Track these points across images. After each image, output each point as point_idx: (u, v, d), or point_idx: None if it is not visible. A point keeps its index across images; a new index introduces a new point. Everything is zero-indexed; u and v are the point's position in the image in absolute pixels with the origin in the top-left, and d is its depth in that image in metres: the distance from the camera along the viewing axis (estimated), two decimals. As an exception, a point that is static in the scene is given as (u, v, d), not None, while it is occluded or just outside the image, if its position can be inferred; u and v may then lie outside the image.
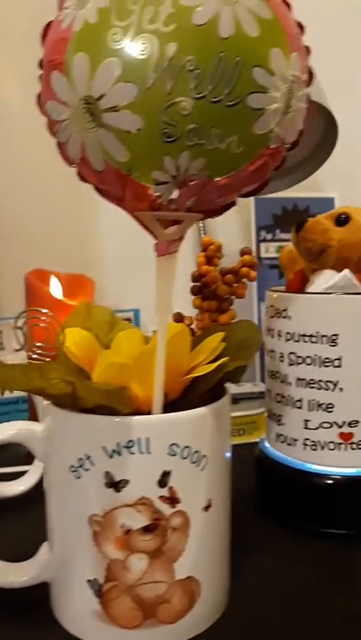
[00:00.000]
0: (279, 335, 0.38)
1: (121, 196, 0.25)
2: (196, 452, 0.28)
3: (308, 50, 0.26)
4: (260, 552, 0.36)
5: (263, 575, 0.34)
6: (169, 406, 0.30)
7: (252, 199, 0.72)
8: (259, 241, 0.73)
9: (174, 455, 0.27)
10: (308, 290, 0.38)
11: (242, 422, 0.59)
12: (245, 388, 0.65)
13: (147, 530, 0.27)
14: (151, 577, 0.28)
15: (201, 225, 0.68)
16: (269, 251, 0.73)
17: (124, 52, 0.22)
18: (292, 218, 0.75)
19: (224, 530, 0.31)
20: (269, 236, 0.73)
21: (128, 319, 0.71)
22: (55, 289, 0.58)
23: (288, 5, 0.25)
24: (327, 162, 0.76)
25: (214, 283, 0.34)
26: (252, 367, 0.75)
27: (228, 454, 0.31)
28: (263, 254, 0.73)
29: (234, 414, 0.59)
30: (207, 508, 0.29)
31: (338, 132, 0.54)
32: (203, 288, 0.35)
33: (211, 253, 0.36)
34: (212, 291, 0.34)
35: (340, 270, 0.36)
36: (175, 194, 0.24)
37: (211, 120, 0.23)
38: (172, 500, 0.28)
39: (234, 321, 0.35)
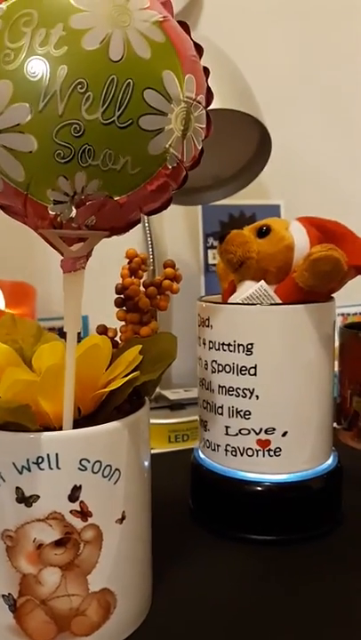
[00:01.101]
0: (204, 343, 0.39)
1: (23, 213, 0.25)
2: (108, 465, 0.28)
3: (206, 71, 0.26)
4: (187, 559, 0.37)
5: (187, 583, 0.34)
6: (84, 420, 0.30)
7: (199, 207, 0.73)
8: (206, 247, 0.74)
9: (85, 470, 0.28)
10: (230, 300, 0.39)
11: (186, 428, 0.59)
12: (192, 393, 0.66)
13: (58, 544, 0.28)
14: (64, 590, 0.28)
15: (148, 232, 0.69)
16: (217, 257, 0.74)
17: (16, 74, 0.23)
18: (240, 225, 0.76)
19: (142, 540, 0.32)
20: (217, 243, 0.74)
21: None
22: (-4, 298, 0.57)
23: (186, 27, 0.26)
24: (274, 170, 0.78)
25: (137, 295, 0.35)
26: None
27: (147, 464, 0.32)
28: (211, 261, 0.74)
29: (178, 420, 0.60)
30: (121, 520, 0.29)
31: (271, 144, 0.55)
32: (126, 300, 0.36)
33: (135, 266, 0.36)
34: (135, 303, 0.35)
35: (259, 281, 0.37)
36: (74, 213, 0.24)
37: (103, 141, 0.23)
38: (84, 513, 0.28)
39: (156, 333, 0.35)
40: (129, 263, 0.37)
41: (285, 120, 0.80)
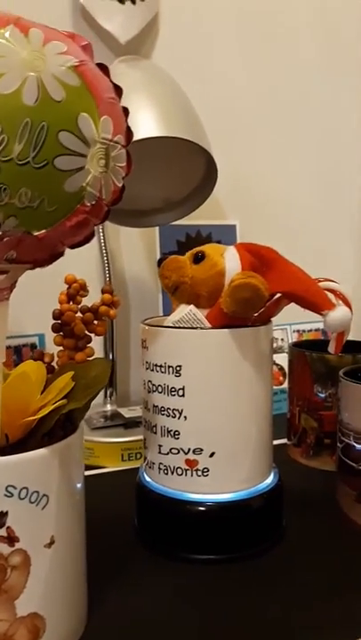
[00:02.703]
0: (143, 364, 0.40)
1: None
2: (35, 492, 0.29)
3: (125, 111, 0.27)
4: (127, 579, 0.37)
5: (124, 604, 0.35)
6: (13, 448, 0.30)
7: (156, 227, 0.74)
8: (163, 266, 0.75)
9: (11, 496, 0.28)
10: (165, 322, 0.40)
11: (139, 446, 0.60)
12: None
13: (-15, 570, 0.28)
14: (-9, 616, 0.28)
15: (104, 252, 0.70)
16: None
17: None
18: (196, 244, 0.78)
19: (75, 563, 0.32)
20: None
21: (33, 345, 0.72)
22: None
23: (105, 70, 0.27)
24: (230, 191, 0.80)
25: (72, 321, 0.36)
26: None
27: (79, 486, 0.32)
28: (168, 279, 0.75)
29: (132, 438, 0.61)
30: (50, 544, 0.30)
31: (217, 170, 0.57)
32: (63, 326, 0.36)
33: (73, 291, 0.37)
34: (71, 329, 0.36)
35: (194, 305, 0.39)
36: (-7, 248, 0.25)
37: (19, 181, 0.24)
38: (10, 539, 0.28)
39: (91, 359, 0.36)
40: (68, 289, 0.38)
41: (241, 144, 0.82)
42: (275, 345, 0.79)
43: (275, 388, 0.77)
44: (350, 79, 0.89)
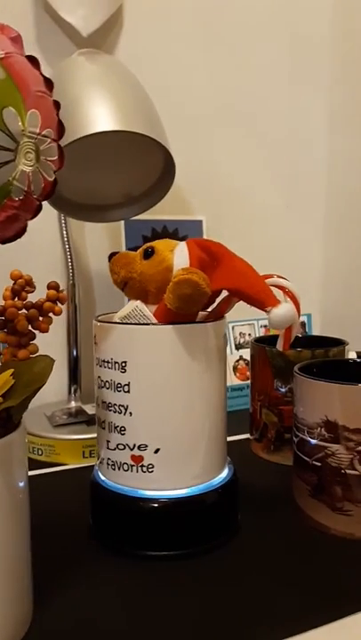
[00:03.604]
0: (94, 360, 0.40)
1: None
2: (-29, 490, 0.28)
3: (57, 105, 0.27)
4: (76, 577, 0.37)
5: (71, 604, 0.35)
6: None
7: (121, 221, 0.74)
8: (129, 262, 0.75)
9: None
10: (114, 318, 0.40)
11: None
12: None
13: None
14: None
15: (67, 247, 0.69)
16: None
17: None
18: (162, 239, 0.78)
19: (16, 562, 0.32)
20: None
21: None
22: None
23: (35, 63, 0.26)
24: (197, 187, 0.80)
25: (15, 318, 0.35)
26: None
27: (22, 485, 0.32)
28: (133, 275, 0.75)
29: (91, 435, 0.61)
30: (-12, 544, 0.29)
31: (175, 165, 0.57)
32: (7, 322, 0.36)
33: (18, 287, 0.36)
34: (14, 325, 0.35)
35: (143, 300, 0.38)
36: None
37: None
38: None
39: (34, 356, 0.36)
40: (13, 284, 0.37)
41: (207, 141, 0.82)
42: (242, 340, 0.79)
43: (241, 383, 0.77)
44: (315, 75, 0.89)
